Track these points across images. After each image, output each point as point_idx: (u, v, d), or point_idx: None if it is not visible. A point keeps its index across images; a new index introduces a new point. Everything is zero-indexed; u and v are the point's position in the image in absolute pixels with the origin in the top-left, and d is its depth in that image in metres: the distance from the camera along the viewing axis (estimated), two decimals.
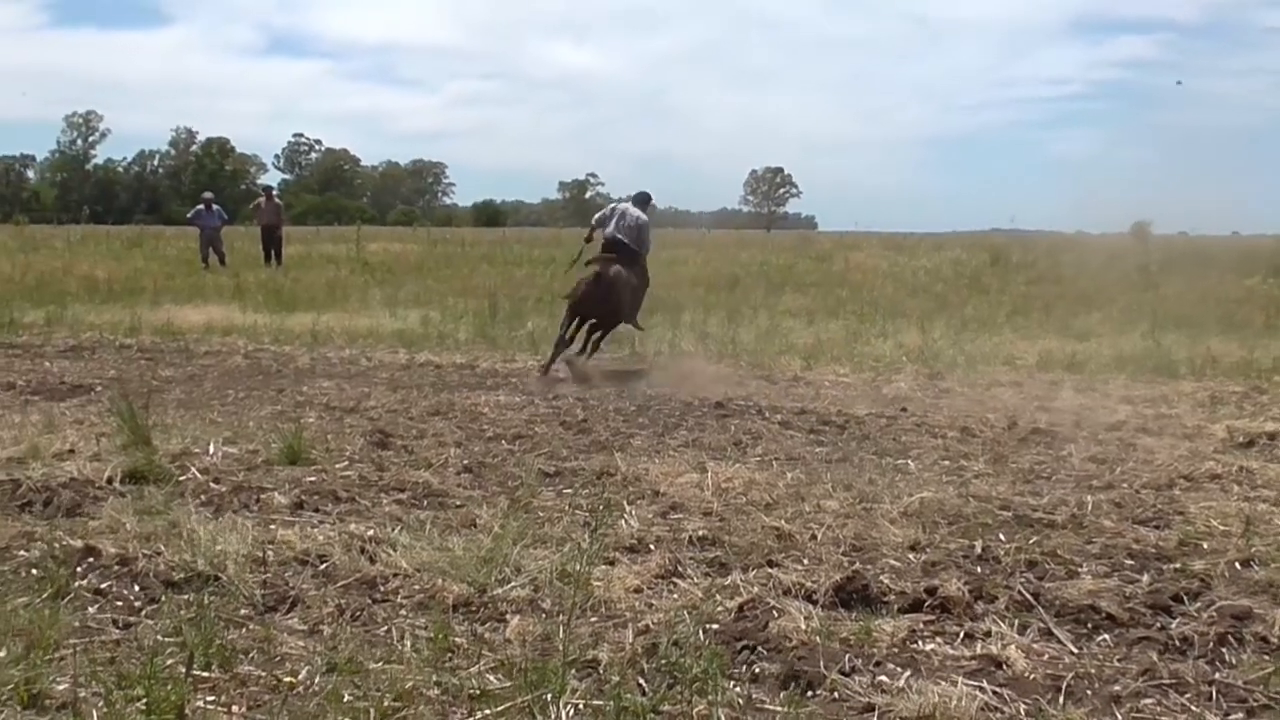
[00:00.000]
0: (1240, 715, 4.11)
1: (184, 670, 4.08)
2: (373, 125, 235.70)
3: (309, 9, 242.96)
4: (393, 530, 6.03)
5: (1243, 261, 29.63)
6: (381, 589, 5.27)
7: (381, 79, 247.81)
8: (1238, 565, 5.75)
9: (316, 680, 4.22)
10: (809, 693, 4.21)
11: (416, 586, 5.24)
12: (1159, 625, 4.95)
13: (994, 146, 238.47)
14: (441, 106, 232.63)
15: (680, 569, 5.53)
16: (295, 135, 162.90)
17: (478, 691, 4.09)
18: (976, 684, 4.25)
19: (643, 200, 13.88)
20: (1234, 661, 4.58)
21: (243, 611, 4.93)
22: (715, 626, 4.81)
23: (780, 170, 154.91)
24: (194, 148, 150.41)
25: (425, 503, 6.80)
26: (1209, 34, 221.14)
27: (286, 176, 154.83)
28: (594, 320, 13.17)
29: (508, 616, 4.90)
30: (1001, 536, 6.19)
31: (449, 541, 5.79)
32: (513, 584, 5.23)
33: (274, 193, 34.70)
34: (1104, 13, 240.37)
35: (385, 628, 4.82)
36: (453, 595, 5.10)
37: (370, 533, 5.98)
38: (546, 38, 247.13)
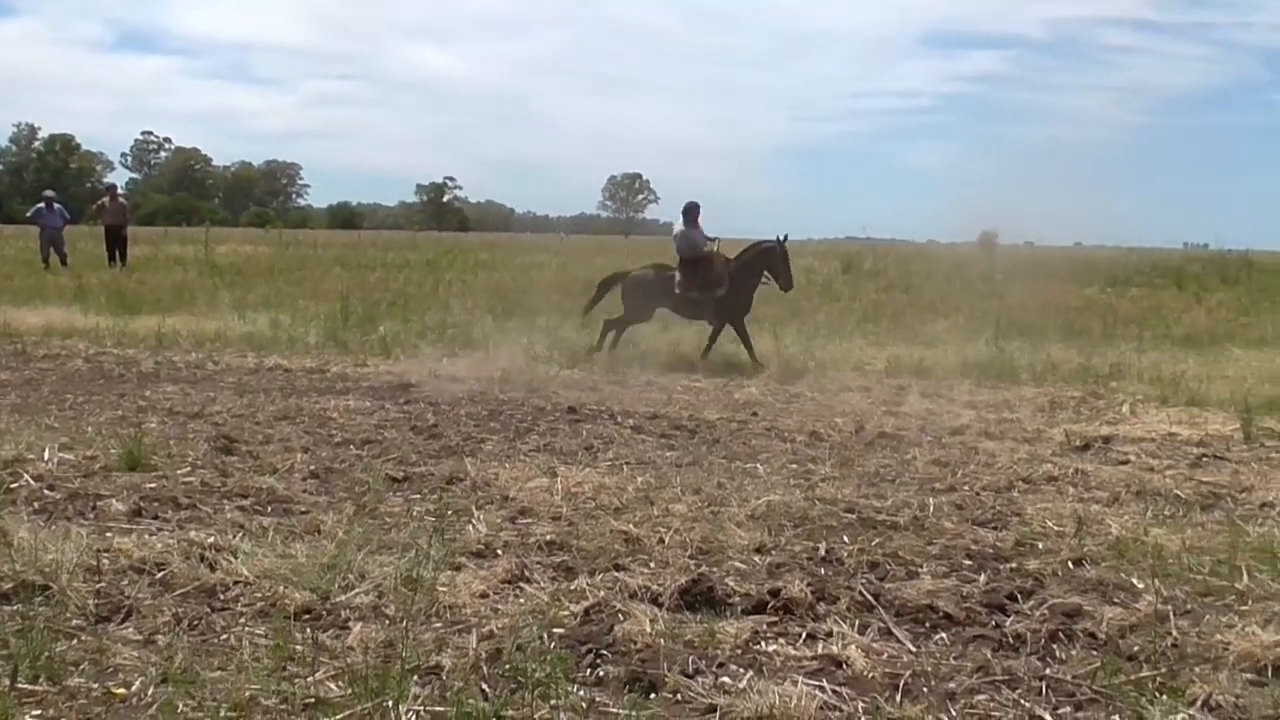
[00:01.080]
0: (1069, 709, 4.23)
1: (8, 683, 3.95)
2: (226, 124, 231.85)
3: (161, 4, 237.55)
4: (234, 537, 5.91)
5: (1083, 271, 30.62)
6: (221, 597, 5.16)
7: (235, 77, 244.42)
8: (1070, 564, 5.94)
9: (150, 691, 4.12)
10: (652, 695, 4.23)
11: (257, 594, 5.14)
12: (994, 623, 5.08)
13: (848, 157, 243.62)
14: (297, 106, 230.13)
15: (527, 574, 5.52)
16: (144, 133, 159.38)
17: (315, 700, 4.03)
18: (817, 683, 4.31)
19: (684, 210, 15.17)
20: (1064, 657, 4.73)
21: (74, 622, 4.78)
22: (560, 631, 4.80)
23: (639, 176, 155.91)
24: (36, 144, 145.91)
25: (269, 509, 6.69)
26: (1054, 51, 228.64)
27: (135, 175, 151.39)
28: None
29: (350, 623, 4.84)
30: (845, 538, 6.29)
31: (292, 548, 5.70)
32: (356, 590, 5.16)
33: (119, 192, 33.81)
34: (954, 29, 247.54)
35: (224, 636, 4.72)
36: (294, 603, 5.02)
37: (211, 540, 5.84)
38: (406, 40, 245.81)
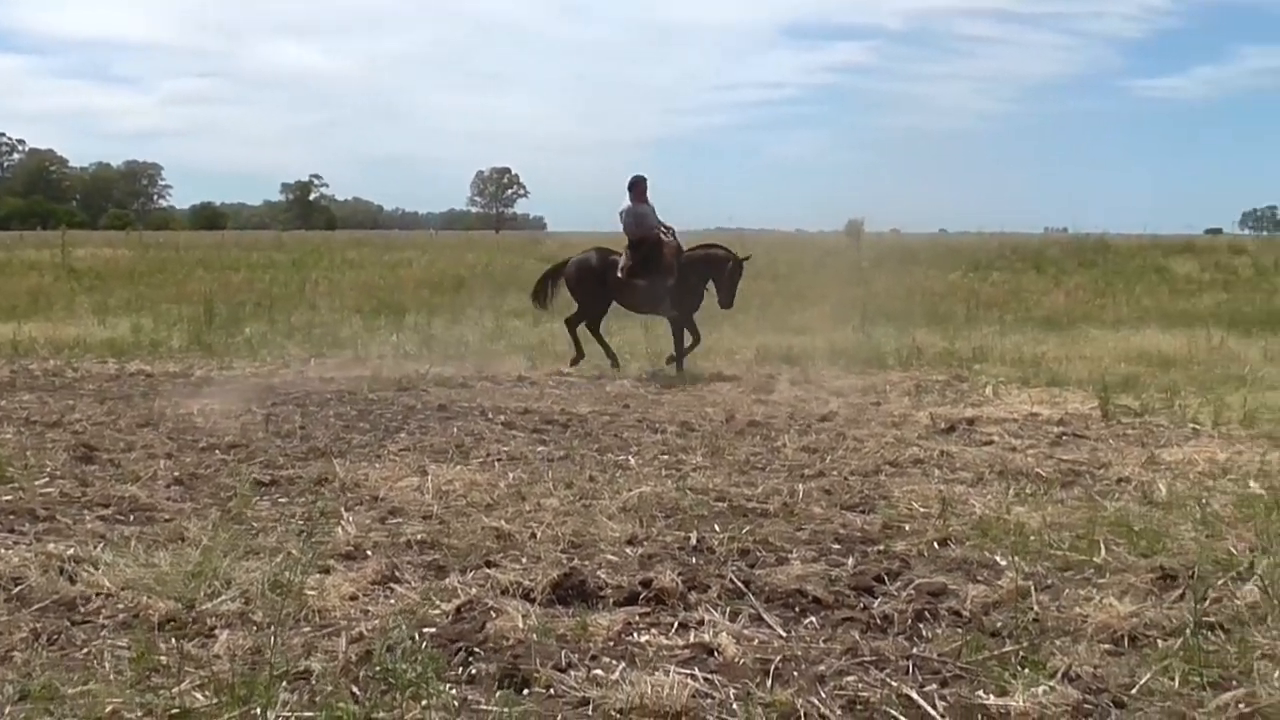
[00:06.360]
0: (935, 686, 4.31)
1: None
2: (82, 124, 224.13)
3: (9, 1, 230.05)
4: (95, 548, 5.76)
5: (947, 257, 31.28)
6: (82, 610, 5.02)
7: (91, 76, 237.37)
8: (936, 545, 6.08)
9: (8, 710, 4.00)
10: (524, 691, 4.22)
11: (120, 606, 5.01)
12: (862, 605, 5.17)
13: (715, 148, 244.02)
14: (156, 105, 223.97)
15: (398, 574, 5.47)
16: None
17: (180, 710, 3.95)
18: (689, 672, 4.33)
19: (630, 184, 13.81)
20: (930, 636, 4.83)
21: None
22: (432, 630, 4.77)
23: (508, 171, 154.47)
24: None
25: (131, 518, 6.53)
26: (915, 41, 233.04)
27: None
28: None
29: (217, 631, 4.74)
30: (716, 527, 6.35)
31: (155, 557, 5.57)
32: (222, 598, 5.06)
33: None
34: (816, 20, 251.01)
35: (85, 650, 4.59)
36: (158, 613, 4.90)
37: (71, 551, 5.68)
38: (267, 36, 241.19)
